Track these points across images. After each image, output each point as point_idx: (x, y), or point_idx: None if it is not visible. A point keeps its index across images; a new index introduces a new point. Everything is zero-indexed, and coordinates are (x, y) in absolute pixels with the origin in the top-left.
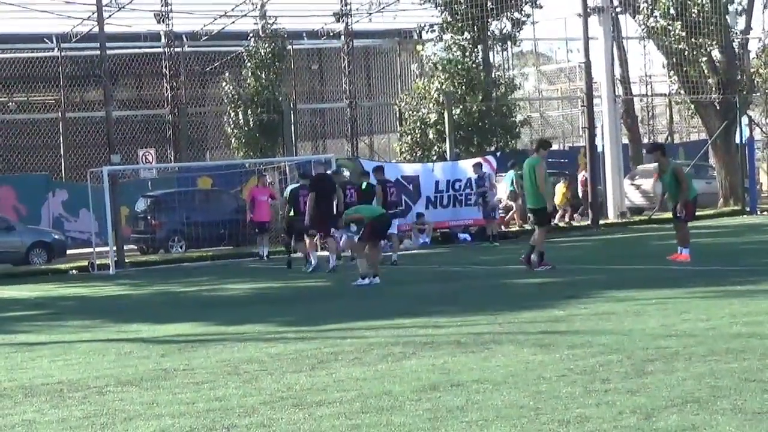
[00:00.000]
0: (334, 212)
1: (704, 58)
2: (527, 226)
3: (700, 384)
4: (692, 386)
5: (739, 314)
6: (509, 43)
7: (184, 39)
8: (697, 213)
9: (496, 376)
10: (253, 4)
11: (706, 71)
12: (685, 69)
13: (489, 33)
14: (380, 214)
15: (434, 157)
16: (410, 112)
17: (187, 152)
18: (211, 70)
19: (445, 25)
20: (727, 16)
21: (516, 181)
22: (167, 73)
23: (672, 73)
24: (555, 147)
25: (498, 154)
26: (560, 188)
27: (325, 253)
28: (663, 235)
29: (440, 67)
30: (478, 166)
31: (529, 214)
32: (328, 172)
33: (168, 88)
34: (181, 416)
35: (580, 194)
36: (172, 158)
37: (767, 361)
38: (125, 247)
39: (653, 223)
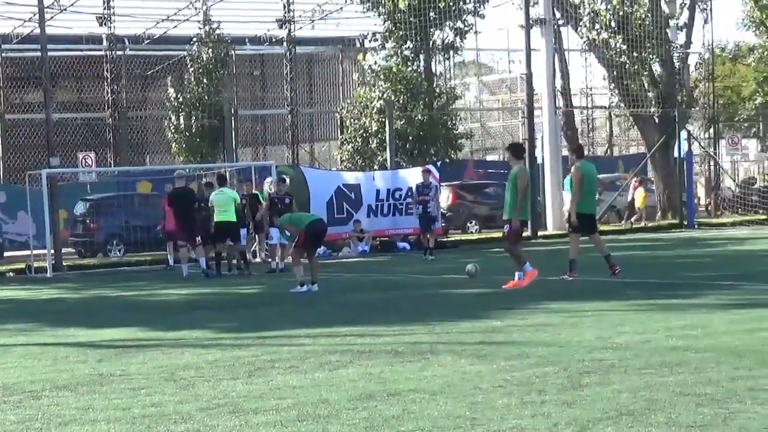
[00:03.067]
0: (194, 222)
1: (645, 72)
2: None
3: (635, 397)
4: (627, 399)
5: (675, 327)
6: (451, 52)
7: (126, 42)
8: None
9: (433, 386)
10: (196, 8)
11: (646, 85)
12: (625, 82)
13: (431, 42)
14: (312, 221)
15: (375, 167)
16: (351, 120)
17: (127, 156)
18: (153, 74)
19: (387, 33)
20: (667, 31)
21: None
22: (108, 76)
23: (612, 86)
24: (495, 158)
25: (439, 164)
26: (640, 192)
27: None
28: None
29: (382, 76)
30: (426, 172)
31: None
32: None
33: (109, 91)
34: (117, 422)
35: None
36: (112, 162)
37: (702, 375)
38: (63, 250)
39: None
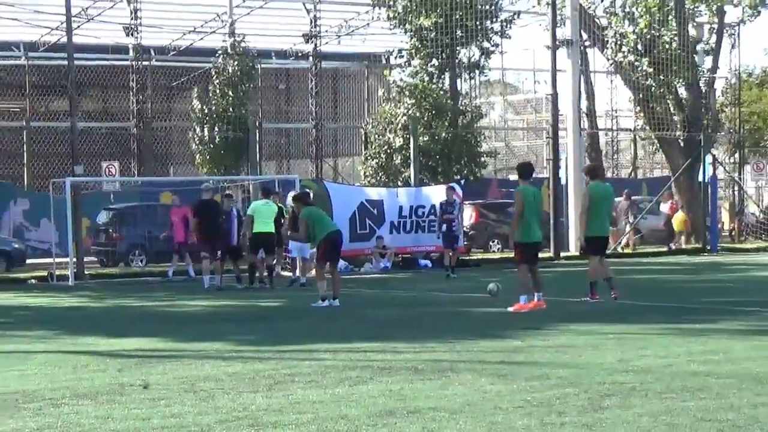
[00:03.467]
0: (218, 235)
1: (670, 96)
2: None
3: (656, 421)
4: (648, 423)
5: (697, 352)
6: (477, 71)
7: (152, 53)
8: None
9: (453, 405)
10: (222, 21)
11: (671, 108)
12: (651, 105)
13: (457, 61)
14: (332, 232)
15: (399, 183)
16: (376, 135)
17: (150, 166)
18: (178, 85)
19: (413, 51)
20: (694, 55)
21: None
22: (134, 86)
23: (638, 108)
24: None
25: (463, 182)
26: (680, 215)
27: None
28: (623, 269)
29: (407, 92)
30: (450, 190)
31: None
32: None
33: (134, 101)
34: None
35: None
36: (136, 172)
37: (723, 401)
38: (85, 259)
39: (614, 257)
